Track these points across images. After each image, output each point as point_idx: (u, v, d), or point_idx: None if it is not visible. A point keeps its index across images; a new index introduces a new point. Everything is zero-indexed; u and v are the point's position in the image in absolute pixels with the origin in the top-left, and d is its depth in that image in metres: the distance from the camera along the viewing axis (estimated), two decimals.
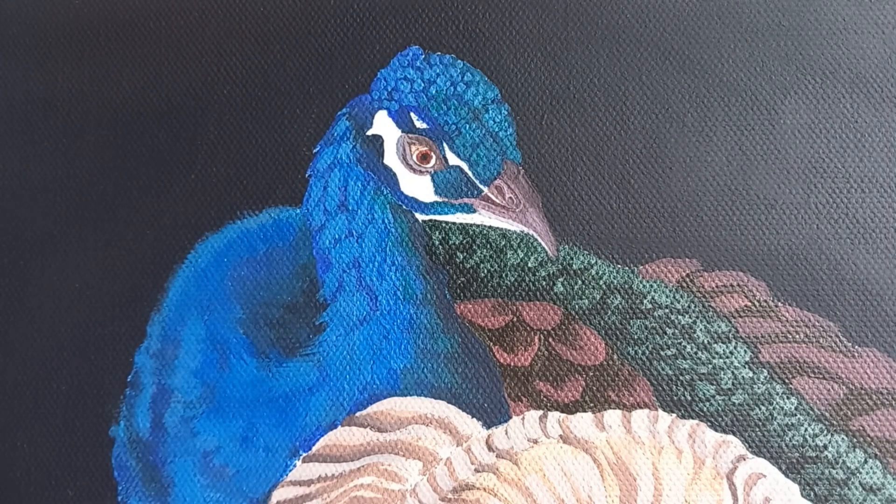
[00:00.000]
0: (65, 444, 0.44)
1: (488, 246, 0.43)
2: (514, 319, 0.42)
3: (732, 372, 0.42)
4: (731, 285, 0.43)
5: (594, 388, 0.41)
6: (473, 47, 0.45)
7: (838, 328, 0.42)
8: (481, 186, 0.43)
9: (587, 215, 0.43)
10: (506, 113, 0.44)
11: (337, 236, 0.44)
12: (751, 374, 0.42)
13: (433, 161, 0.44)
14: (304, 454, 0.42)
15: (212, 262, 0.45)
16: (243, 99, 0.47)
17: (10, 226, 0.47)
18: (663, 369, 0.42)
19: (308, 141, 0.45)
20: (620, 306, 0.42)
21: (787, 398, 0.42)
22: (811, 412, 0.41)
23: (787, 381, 0.42)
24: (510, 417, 0.41)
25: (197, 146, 0.46)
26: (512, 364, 0.42)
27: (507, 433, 0.41)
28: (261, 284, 0.44)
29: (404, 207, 0.44)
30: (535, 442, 0.40)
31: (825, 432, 0.41)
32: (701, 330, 0.43)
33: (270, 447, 0.42)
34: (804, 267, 0.43)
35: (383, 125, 0.44)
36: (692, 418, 0.41)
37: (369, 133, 0.45)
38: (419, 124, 0.44)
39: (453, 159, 0.43)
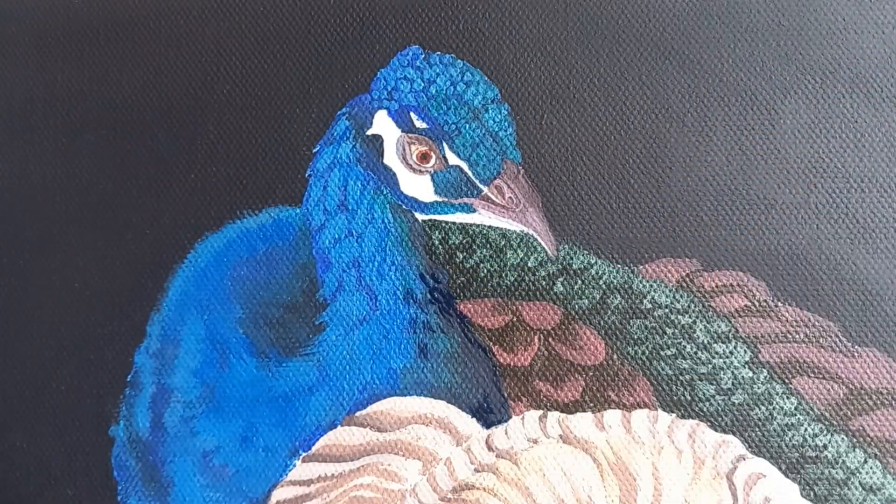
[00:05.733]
0: (64, 444, 0.44)
1: (488, 246, 0.43)
2: (514, 319, 0.42)
3: (732, 372, 0.42)
4: (731, 285, 0.43)
5: (594, 388, 0.41)
6: (473, 47, 0.45)
7: (838, 328, 0.42)
8: (481, 186, 0.43)
9: (587, 215, 0.43)
10: (506, 113, 0.44)
11: (337, 236, 0.44)
12: (751, 374, 0.42)
13: (433, 161, 0.44)
14: (304, 454, 0.42)
15: (212, 262, 0.45)
16: (243, 99, 0.47)
17: (10, 226, 0.47)
18: (663, 369, 0.42)
19: (308, 141, 0.45)
20: (620, 306, 0.42)
21: (787, 398, 0.42)
22: (811, 412, 0.41)
23: (787, 380, 0.42)
24: (510, 417, 0.41)
25: (197, 146, 0.46)
26: (512, 364, 0.42)
27: (506, 433, 0.41)
28: (261, 284, 0.44)
29: (404, 207, 0.44)
30: (535, 442, 0.40)
31: (825, 432, 0.41)
32: (701, 330, 0.43)
33: (270, 447, 0.42)
34: (804, 267, 0.43)
35: (383, 125, 0.44)
36: (692, 418, 0.41)
37: (369, 133, 0.45)
38: (419, 124, 0.44)
39: (453, 159, 0.43)
